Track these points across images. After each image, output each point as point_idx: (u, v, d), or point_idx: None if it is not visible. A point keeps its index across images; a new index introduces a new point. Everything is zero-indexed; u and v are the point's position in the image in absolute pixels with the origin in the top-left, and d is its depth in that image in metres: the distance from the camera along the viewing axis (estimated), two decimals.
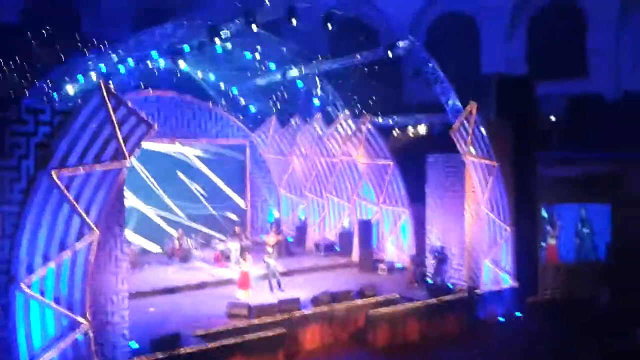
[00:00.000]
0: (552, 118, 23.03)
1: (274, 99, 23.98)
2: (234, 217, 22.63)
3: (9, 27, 23.84)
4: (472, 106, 16.69)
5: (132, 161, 11.86)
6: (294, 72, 21.61)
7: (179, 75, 21.44)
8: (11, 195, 10.83)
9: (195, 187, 22.01)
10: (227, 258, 19.16)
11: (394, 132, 22.30)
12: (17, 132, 10.79)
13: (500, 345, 15.17)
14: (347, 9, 17.58)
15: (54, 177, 10.84)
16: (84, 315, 11.18)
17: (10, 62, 20.83)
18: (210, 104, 22.73)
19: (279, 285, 16.48)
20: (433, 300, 15.98)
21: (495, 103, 18.78)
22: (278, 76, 21.90)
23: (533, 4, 32.49)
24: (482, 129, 16.91)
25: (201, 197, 22.14)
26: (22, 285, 10.62)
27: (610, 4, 29.94)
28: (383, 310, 15.27)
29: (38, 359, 10.76)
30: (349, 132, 19.60)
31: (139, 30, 19.44)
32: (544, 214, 19.07)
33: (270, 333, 13.22)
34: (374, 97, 23.51)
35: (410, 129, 21.90)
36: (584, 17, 31.14)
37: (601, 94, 26.13)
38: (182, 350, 11.99)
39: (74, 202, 11.09)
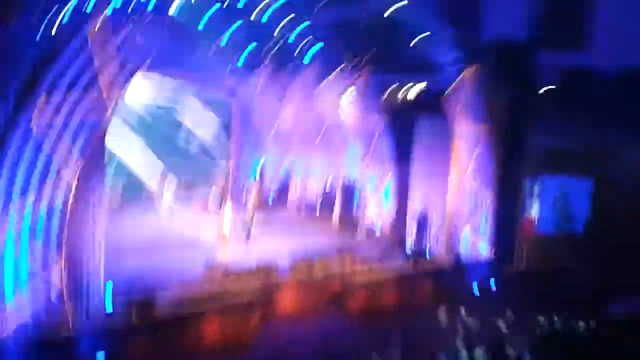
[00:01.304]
0: (546, 88, 22.69)
1: (267, 49, 22.99)
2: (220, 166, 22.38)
3: None
4: (469, 70, 16.30)
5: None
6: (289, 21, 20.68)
7: None
8: None
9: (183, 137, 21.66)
10: (207, 208, 18.94)
11: (386, 91, 21.69)
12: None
13: (475, 313, 15.35)
14: None
15: (33, 121, 10.30)
16: (58, 268, 10.88)
17: None
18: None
19: (249, 235, 16.41)
20: (411, 267, 16.00)
21: (492, 69, 18.41)
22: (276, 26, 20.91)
23: None
24: (477, 94, 16.57)
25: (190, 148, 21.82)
26: None
27: None
28: (361, 275, 15.26)
29: (11, 318, 10.49)
30: (340, 88, 19.05)
31: None
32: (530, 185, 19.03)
33: (247, 296, 13.11)
34: (372, 52, 22.67)
35: (405, 89, 21.29)
36: None
37: (597, 68, 25.72)
38: (159, 311, 11.87)
39: (53, 147, 10.58)
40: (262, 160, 23.19)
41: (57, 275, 10.91)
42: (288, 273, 14.71)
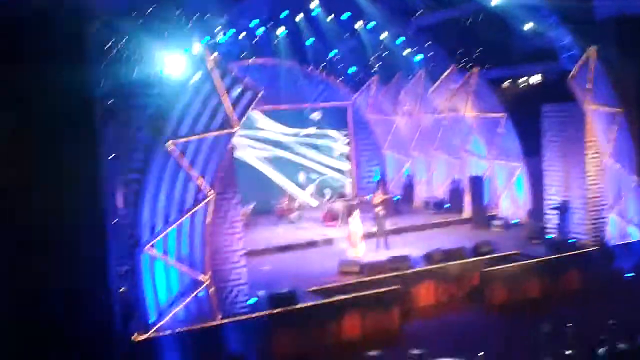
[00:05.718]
0: None
1: (374, 58, 23.47)
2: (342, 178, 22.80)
3: None
4: (592, 51, 15.50)
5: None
6: (392, 30, 20.98)
7: (276, 42, 21.51)
8: (131, 165, 11.45)
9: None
10: (335, 218, 19.29)
11: (504, 83, 21.13)
12: (131, 105, 11.32)
13: (628, 301, 14.13)
14: None
15: (169, 146, 11.27)
16: (204, 273, 11.73)
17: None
18: (310, 68, 22.71)
19: (386, 243, 16.43)
20: (554, 257, 15.15)
21: (616, 46, 17.35)
22: (380, 36, 21.30)
23: None
24: (604, 75, 15.66)
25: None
26: (146, 248, 11.25)
27: None
28: (500, 267, 14.71)
29: (165, 314, 11.46)
30: (455, 86, 18.84)
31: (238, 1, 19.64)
32: None
33: (385, 289, 13.11)
34: (480, 48, 22.27)
35: (523, 80, 20.63)
36: None
37: None
38: (299, 306, 12.24)
39: (189, 169, 11.54)
40: (381, 167, 23.56)
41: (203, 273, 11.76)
42: (423, 266, 14.60)
